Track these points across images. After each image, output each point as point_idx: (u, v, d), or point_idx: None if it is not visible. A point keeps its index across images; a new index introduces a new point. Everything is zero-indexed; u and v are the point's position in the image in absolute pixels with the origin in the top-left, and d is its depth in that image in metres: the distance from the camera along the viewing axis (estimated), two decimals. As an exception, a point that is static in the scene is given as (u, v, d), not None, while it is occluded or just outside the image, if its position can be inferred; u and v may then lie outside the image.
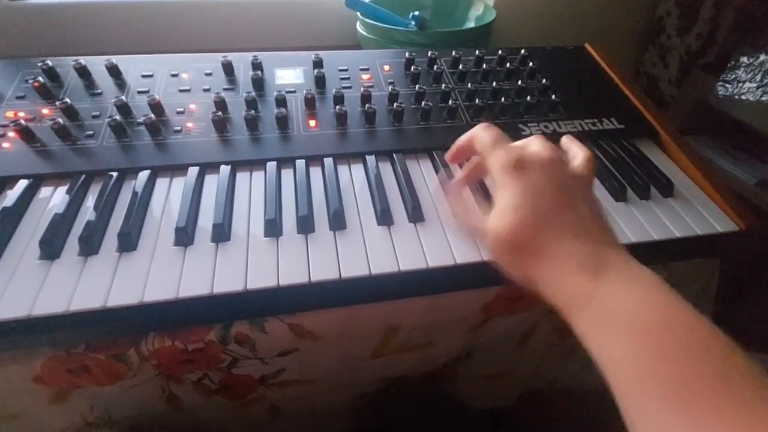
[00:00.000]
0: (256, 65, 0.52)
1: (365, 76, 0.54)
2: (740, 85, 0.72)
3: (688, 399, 0.21)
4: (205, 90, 0.50)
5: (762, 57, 0.70)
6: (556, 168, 0.30)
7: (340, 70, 0.54)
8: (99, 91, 0.48)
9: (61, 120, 0.42)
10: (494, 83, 0.54)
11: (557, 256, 0.27)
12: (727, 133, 0.83)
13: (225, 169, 0.43)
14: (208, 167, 0.43)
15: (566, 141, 0.36)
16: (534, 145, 0.32)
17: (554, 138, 0.49)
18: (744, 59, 0.73)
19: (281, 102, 0.48)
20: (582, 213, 0.29)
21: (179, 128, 0.45)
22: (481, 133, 0.33)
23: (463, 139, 0.35)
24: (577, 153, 0.35)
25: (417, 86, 0.52)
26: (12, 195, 0.38)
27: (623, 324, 0.24)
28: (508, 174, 0.30)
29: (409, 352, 0.47)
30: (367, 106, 0.48)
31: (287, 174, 0.44)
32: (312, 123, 0.48)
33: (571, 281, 0.26)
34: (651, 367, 0.22)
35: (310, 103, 0.49)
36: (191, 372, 0.40)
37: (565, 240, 0.27)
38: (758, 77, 0.70)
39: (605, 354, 0.24)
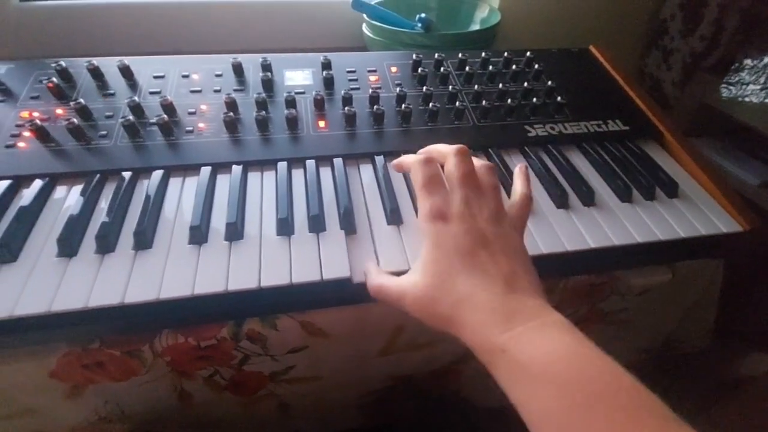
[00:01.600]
0: (266, 67, 0.53)
1: (373, 78, 0.55)
2: (744, 87, 0.72)
3: None
4: (216, 91, 0.50)
5: (766, 59, 0.71)
6: (480, 216, 0.30)
7: (348, 72, 0.55)
8: (112, 91, 0.49)
9: (75, 120, 0.43)
10: (500, 85, 0.54)
11: (471, 310, 0.27)
12: (731, 135, 0.83)
13: (237, 169, 0.43)
14: (220, 167, 0.44)
15: (516, 172, 0.36)
16: (463, 189, 0.31)
17: (560, 140, 0.51)
18: (748, 61, 0.73)
19: (291, 103, 0.48)
20: (500, 261, 0.29)
21: (191, 128, 0.46)
22: (418, 167, 0.33)
23: (406, 161, 0.36)
24: (516, 189, 0.35)
25: (424, 88, 0.52)
26: (29, 194, 0.39)
27: (537, 373, 0.24)
28: (428, 224, 0.30)
29: (416, 351, 0.47)
30: (375, 107, 0.49)
31: (298, 174, 0.44)
32: (321, 124, 0.49)
33: (484, 334, 0.26)
34: (567, 415, 0.23)
35: (319, 104, 0.50)
36: (203, 368, 0.41)
37: (478, 292, 0.28)
38: (762, 79, 0.70)
39: (523, 403, 0.25)
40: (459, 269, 0.29)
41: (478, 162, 0.34)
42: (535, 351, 0.25)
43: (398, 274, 0.37)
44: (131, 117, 0.45)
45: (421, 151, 0.36)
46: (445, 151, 0.34)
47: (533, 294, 0.28)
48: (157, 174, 0.42)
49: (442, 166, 0.34)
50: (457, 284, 0.28)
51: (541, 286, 0.29)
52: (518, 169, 0.36)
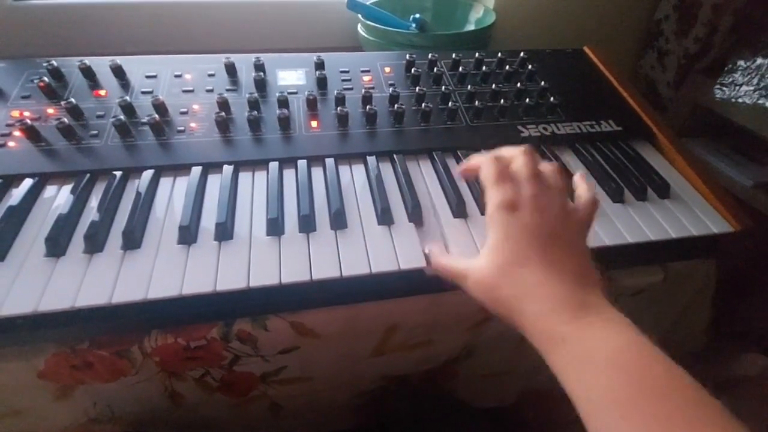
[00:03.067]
0: (259, 66, 0.52)
1: (366, 78, 0.55)
2: (737, 88, 0.73)
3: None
4: (209, 91, 0.50)
5: (759, 60, 0.71)
6: (549, 212, 0.31)
7: (342, 72, 0.55)
8: (103, 91, 0.49)
9: (66, 120, 0.43)
10: (494, 85, 0.54)
11: (534, 300, 0.28)
12: (725, 136, 0.83)
13: (228, 169, 0.43)
14: (211, 167, 0.44)
15: (577, 179, 0.37)
16: (533, 184, 0.32)
17: (553, 141, 0.51)
18: (741, 62, 0.73)
19: (283, 103, 0.48)
20: (563, 257, 0.30)
21: (183, 128, 0.46)
22: (486, 163, 0.34)
23: (473, 162, 0.36)
24: (581, 194, 0.35)
25: (417, 88, 0.52)
26: (18, 193, 0.39)
27: (602, 361, 0.25)
28: (500, 213, 0.31)
29: (409, 351, 0.47)
30: (368, 107, 0.49)
31: (289, 174, 0.44)
32: (314, 124, 0.48)
33: (545, 322, 0.28)
34: (634, 401, 0.23)
35: (311, 104, 0.49)
36: (193, 369, 0.41)
37: (546, 282, 0.29)
38: (755, 80, 0.70)
39: (582, 388, 0.25)
40: (530, 259, 0.29)
41: (546, 163, 0.35)
42: (601, 341, 0.26)
43: (388, 275, 0.37)
44: (122, 116, 0.45)
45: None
46: (512, 151, 0.35)
47: (598, 292, 0.29)
48: (148, 174, 0.42)
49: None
50: (526, 273, 0.29)
51: (603, 286, 0.30)
52: (579, 175, 0.37)
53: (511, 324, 0.30)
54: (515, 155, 0.34)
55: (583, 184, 0.36)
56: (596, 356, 0.25)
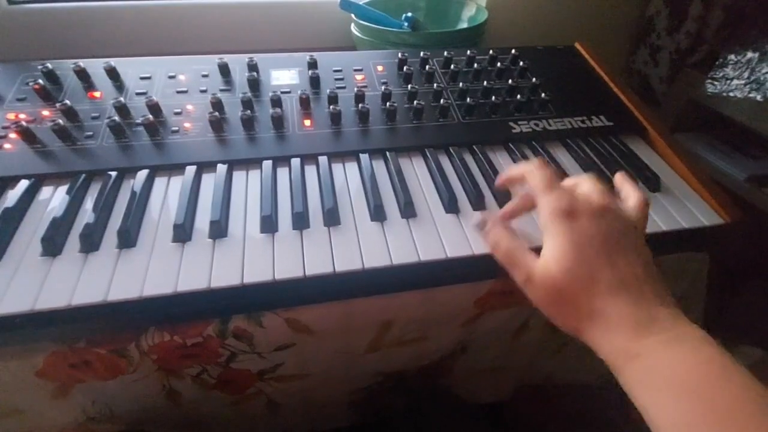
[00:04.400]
0: (252, 67, 0.53)
1: (359, 77, 0.55)
2: (728, 82, 0.73)
3: None
4: (202, 91, 0.51)
5: (749, 54, 0.71)
6: (607, 217, 0.30)
7: (335, 71, 0.55)
8: (98, 93, 0.49)
9: (61, 121, 0.43)
10: (485, 82, 0.55)
11: (603, 314, 0.27)
12: (717, 130, 0.84)
13: (222, 168, 0.44)
14: (205, 166, 0.44)
15: (620, 179, 0.36)
16: (585, 188, 0.31)
17: (544, 136, 0.51)
18: (732, 57, 0.74)
19: (277, 102, 0.49)
20: (630, 266, 0.28)
21: (177, 128, 0.46)
22: (536, 171, 0.33)
23: (517, 170, 0.36)
24: (629, 194, 0.34)
25: (409, 86, 0.53)
26: (13, 195, 0.39)
27: (673, 385, 0.24)
28: (558, 221, 0.30)
29: (404, 346, 0.47)
30: (360, 105, 0.49)
31: (283, 172, 0.45)
32: (307, 122, 0.49)
33: (616, 339, 0.26)
34: (700, 430, 0.22)
35: (304, 103, 0.50)
36: (190, 366, 0.41)
37: (612, 297, 0.27)
38: (746, 74, 0.71)
39: (654, 412, 0.24)
40: (594, 268, 0.28)
41: (584, 176, 0.34)
42: (670, 361, 0.25)
43: (381, 270, 0.37)
44: (117, 117, 0.45)
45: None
46: (528, 169, 0.34)
47: (667, 300, 0.28)
48: (143, 173, 0.42)
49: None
50: (591, 285, 0.28)
51: (669, 290, 0.29)
52: (620, 176, 0.37)
53: (577, 336, 0.28)
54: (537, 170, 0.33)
55: (628, 185, 0.35)
56: (664, 377, 0.24)
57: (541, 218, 0.31)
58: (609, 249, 0.28)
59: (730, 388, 0.23)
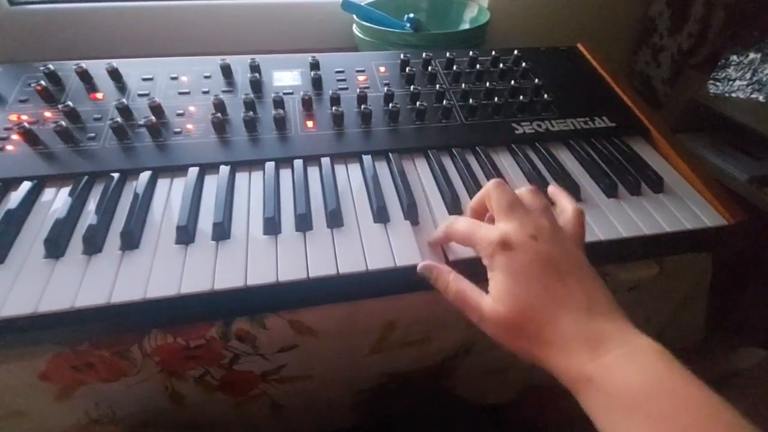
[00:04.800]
0: (254, 68, 0.53)
1: (361, 78, 0.55)
2: (731, 83, 0.73)
3: None
4: (205, 92, 0.51)
5: (751, 55, 0.71)
6: (541, 240, 0.30)
7: (337, 72, 0.55)
8: (100, 94, 0.49)
9: (63, 123, 0.43)
10: (488, 83, 0.55)
11: (554, 339, 0.27)
12: (720, 131, 0.84)
13: (224, 170, 0.44)
14: (207, 168, 0.44)
15: (553, 191, 0.36)
16: (514, 217, 0.31)
17: (547, 138, 0.51)
18: (734, 57, 0.74)
19: (279, 103, 0.49)
20: (574, 285, 0.28)
21: (179, 130, 0.46)
22: (455, 226, 0.34)
23: (441, 231, 0.37)
24: (565, 207, 0.35)
25: (412, 87, 0.53)
26: (16, 196, 0.39)
27: (623, 407, 0.24)
28: (495, 255, 0.30)
29: (407, 348, 0.47)
30: (363, 106, 0.49)
31: (285, 174, 0.45)
32: (309, 124, 0.49)
33: (570, 362, 0.26)
34: None
35: (307, 104, 0.50)
36: (193, 368, 0.41)
37: (560, 320, 0.27)
38: (748, 75, 0.71)
39: None
40: (535, 298, 0.28)
41: (520, 189, 0.34)
42: (624, 380, 0.24)
43: (384, 272, 0.37)
44: (119, 119, 0.45)
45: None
46: (482, 192, 0.34)
47: (614, 316, 0.28)
48: (145, 175, 0.42)
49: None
50: (536, 315, 0.28)
51: (617, 302, 0.29)
52: (552, 188, 0.37)
53: (542, 366, 0.28)
54: (487, 191, 0.34)
55: (562, 197, 0.36)
56: (620, 398, 0.24)
57: (483, 259, 0.32)
58: (549, 273, 0.29)
59: (685, 406, 0.23)
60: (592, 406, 0.25)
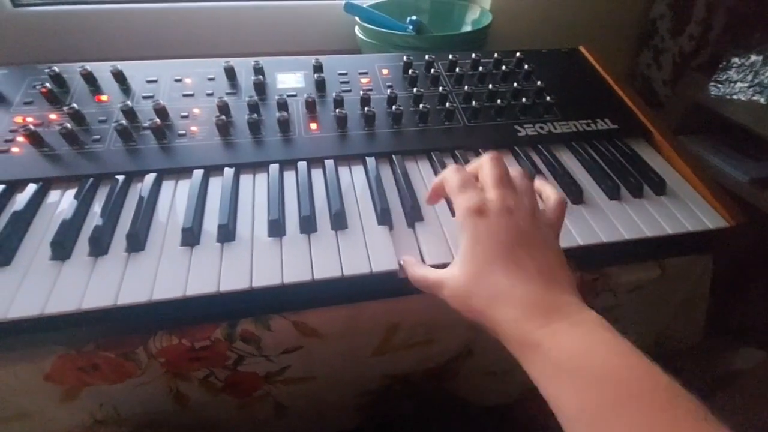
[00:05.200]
0: (258, 70, 0.53)
1: (364, 80, 0.55)
2: (732, 85, 0.73)
3: None
4: (209, 94, 0.51)
5: (753, 57, 0.71)
6: (517, 213, 0.31)
7: (340, 74, 0.56)
8: (105, 96, 0.49)
9: (68, 125, 0.44)
10: (490, 86, 0.55)
11: (504, 306, 0.28)
12: (721, 133, 0.84)
13: (229, 172, 0.44)
14: (212, 170, 0.44)
15: (539, 183, 0.37)
16: (499, 188, 0.32)
17: (549, 140, 0.52)
18: (735, 60, 0.74)
19: (283, 106, 0.49)
20: (539, 257, 0.29)
21: (184, 132, 0.46)
22: (449, 175, 0.34)
23: (436, 180, 0.37)
24: (549, 196, 0.36)
25: (415, 89, 0.53)
26: (22, 198, 0.40)
27: (567, 372, 0.25)
28: (467, 219, 0.31)
29: (410, 350, 0.47)
30: (366, 108, 0.50)
31: (289, 176, 0.45)
32: (313, 126, 0.49)
33: (521, 328, 0.27)
34: (601, 420, 0.23)
35: (310, 106, 0.50)
36: (198, 370, 0.41)
37: (517, 287, 0.28)
38: (749, 77, 0.71)
39: (555, 402, 0.25)
40: (497, 263, 0.29)
41: (512, 168, 0.35)
42: (570, 347, 0.25)
43: (388, 273, 0.38)
44: (124, 121, 0.45)
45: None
46: (477, 161, 0.35)
47: (569, 291, 0.29)
48: (150, 177, 0.42)
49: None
50: (495, 278, 0.29)
51: (575, 284, 0.30)
52: (538, 180, 0.38)
53: (484, 324, 0.29)
54: (481, 162, 0.34)
55: (547, 187, 0.37)
56: (565, 364, 0.25)
57: (456, 218, 0.32)
58: (511, 242, 0.30)
59: (627, 371, 0.24)
60: (538, 372, 0.26)
